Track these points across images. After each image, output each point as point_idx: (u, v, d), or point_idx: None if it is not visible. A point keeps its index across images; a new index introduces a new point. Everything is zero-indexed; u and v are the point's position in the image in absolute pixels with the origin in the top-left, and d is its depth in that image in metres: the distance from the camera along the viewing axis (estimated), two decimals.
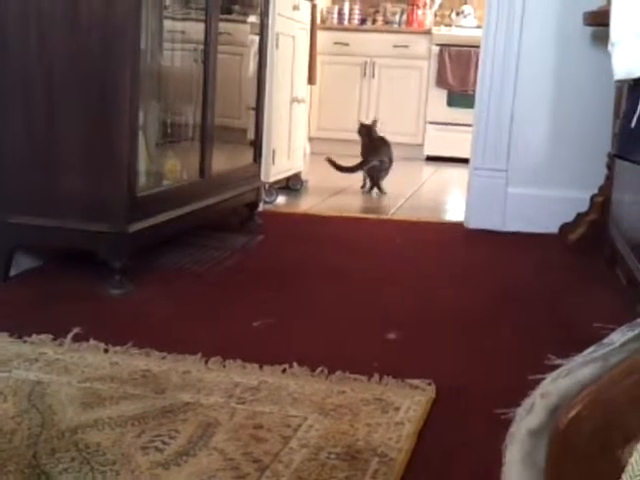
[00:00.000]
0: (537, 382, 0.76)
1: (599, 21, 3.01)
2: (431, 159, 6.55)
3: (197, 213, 2.78)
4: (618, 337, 0.73)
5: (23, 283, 2.40)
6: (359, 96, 6.69)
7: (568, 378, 0.71)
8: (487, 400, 1.63)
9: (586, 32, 3.44)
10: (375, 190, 4.73)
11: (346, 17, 6.93)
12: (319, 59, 5.94)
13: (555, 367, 0.75)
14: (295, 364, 1.77)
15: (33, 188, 2.33)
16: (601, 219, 3.17)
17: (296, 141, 4.50)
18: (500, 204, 3.60)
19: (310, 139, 5.66)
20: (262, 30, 3.43)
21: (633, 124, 1.77)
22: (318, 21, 5.79)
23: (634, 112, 1.77)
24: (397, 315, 2.27)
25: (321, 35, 6.03)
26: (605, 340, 0.74)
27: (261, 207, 3.66)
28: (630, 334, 0.71)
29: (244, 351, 1.84)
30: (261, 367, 1.75)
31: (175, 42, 2.94)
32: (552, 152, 3.58)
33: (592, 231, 3.24)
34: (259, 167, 3.50)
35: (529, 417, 0.73)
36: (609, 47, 1.94)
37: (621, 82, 2.57)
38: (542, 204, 3.53)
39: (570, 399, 0.69)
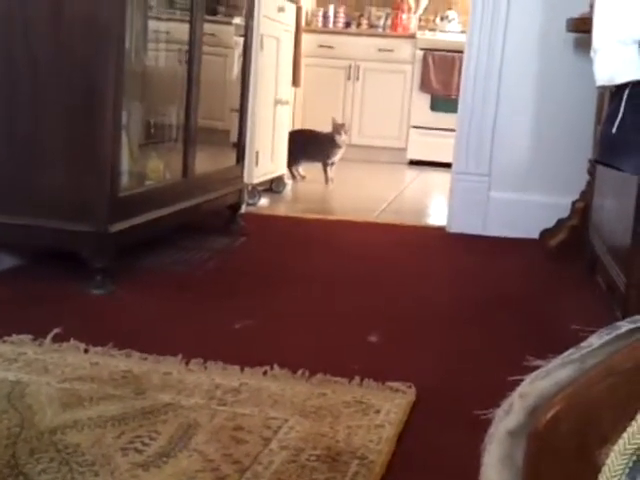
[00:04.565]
0: (516, 383, 0.76)
1: (581, 28, 3.03)
2: (414, 163, 6.56)
3: (179, 214, 2.78)
4: (596, 340, 0.73)
5: (3, 282, 2.38)
6: (343, 99, 6.69)
7: (546, 379, 0.72)
8: (467, 402, 1.64)
9: (569, 38, 3.46)
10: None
11: (331, 20, 6.94)
12: (303, 62, 5.95)
13: (534, 368, 0.75)
14: (276, 366, 1.77)
15: (15, 187, 2.32)
16: (582, 225, 3.18)
17: (280, 143, 4.50)
18: (482, 209, 3.61)
19: None
20: (247, 32, 3.43)
21: (614, 130, 1.78)
22: (303, 24, 5.80)
23: (615, 118, 1.79)
24: (378, 318, 2.27)
25: (306, 38, 6.03)
26: (583, 343, 0.75)
27: (244, 209, 3.66)
28: (607, 337, 0.72)
29: (225, 353, 1.84)
30: (242, 369, 1.75)
31: (160, 42, 2.93)
32: (534, 157, 3.61)
33: (572, 237, 3.26)
34: (242, 169, 3.50)
35: (508, 418, 0.73)
36: (591, 53, 1.95)
37: (603, 88, 2.60)
38: (524, 209, 3.55)
39: (548, 400, 0.70)
